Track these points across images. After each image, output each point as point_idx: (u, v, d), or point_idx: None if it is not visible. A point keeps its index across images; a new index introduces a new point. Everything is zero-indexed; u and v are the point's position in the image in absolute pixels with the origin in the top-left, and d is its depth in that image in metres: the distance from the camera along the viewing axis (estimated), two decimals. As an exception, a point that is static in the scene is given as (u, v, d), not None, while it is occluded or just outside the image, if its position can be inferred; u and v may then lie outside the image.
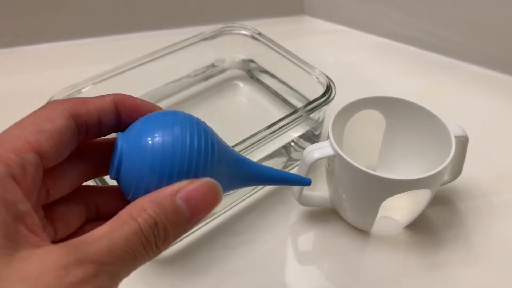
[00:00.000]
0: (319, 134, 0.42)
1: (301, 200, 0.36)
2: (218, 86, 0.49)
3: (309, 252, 0.37)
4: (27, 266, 0.14)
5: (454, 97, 0.51)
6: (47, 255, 0.14)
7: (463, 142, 0.35)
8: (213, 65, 0.50)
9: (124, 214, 0.16)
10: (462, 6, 0.52)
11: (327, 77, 0.40)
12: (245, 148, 0.33)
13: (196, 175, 0.17)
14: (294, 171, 0.42)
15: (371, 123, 0.39)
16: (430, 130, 0.36)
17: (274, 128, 0.35)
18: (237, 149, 0.33)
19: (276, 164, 0.41)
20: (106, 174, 0.20)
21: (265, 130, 0.35)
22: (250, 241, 0.37)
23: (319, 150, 0.33)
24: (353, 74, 0.54)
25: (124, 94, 0.19)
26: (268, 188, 0.41)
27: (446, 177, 0.38)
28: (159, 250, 0.16)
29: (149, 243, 0.16)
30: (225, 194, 0.18)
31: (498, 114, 0.49)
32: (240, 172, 0.20)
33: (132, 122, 0.19)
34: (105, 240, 0.15)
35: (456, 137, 0.34)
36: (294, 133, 0.40)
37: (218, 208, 0.38)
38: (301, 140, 0.42)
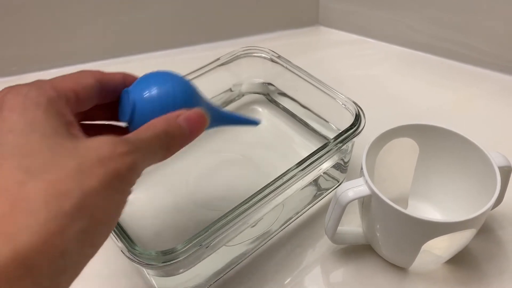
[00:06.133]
0: (348, 161, 0.40)
1: (335, 239, 0.34)
2: (236, 112, 0.47)
3: (344, 292, 0.35)
4: (89, 143, 0.20)
5: (485, 109, 0.49)
6: (100, 139, 0.20)
7: (506, 172, 0.33)
8: (230, 90, 0.48)
9: (146, 125, 0.23)
10: (488, 12, 0.50)
11: (355, 103, 0.38)
12: (276, 188, 0.32)
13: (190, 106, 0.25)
14: (324, 201, 0.40)
15: (404, 151, 0.37)
16: (469, 158, 0.34)
17: (304, 165, 0.33)
18: (267, 190, 0.31)
19: (305, 195, 0.39)
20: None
21: (295, 168, 0.33)
22: (282, 282, 0.35)
23: (353, 190, 0.31)
24: (376, 89, 0.52)
25: (130, 75, 0.27)
26: (296, 223, 0.39)
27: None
28: (168, 151, 0.24)
29: (163, 145, 0.23)
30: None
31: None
32: (210, 112, 0.27)
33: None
34: (137, 135, 0.22)
35: (499, 167, 0.32)
36: (324, 165, 0.38)
37: (249, 247, 0.36)
38: (331, 168, 0.40)
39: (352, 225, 0.38)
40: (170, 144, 0.23)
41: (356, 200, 0.34)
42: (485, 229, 0.37)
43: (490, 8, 0.49)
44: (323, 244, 0.37)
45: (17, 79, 0.57)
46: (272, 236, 0.38)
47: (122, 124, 0.27)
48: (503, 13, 0.49)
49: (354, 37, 0.59)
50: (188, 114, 0.24)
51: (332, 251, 0.37)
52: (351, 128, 0.36)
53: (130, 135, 0.22)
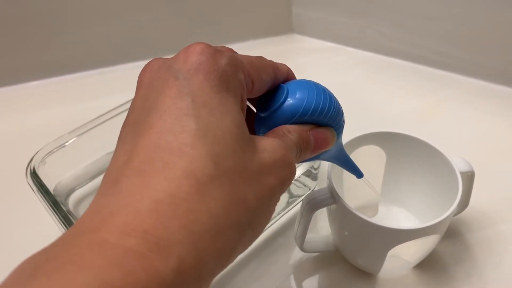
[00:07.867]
0: (318, 168, 0.41)
1: (304, 248, 0.35)
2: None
3: (315, 300, 0.35)
4: (265, 144, 0.19)
5: (452, 113, 0.50)
6: (274, 141, 0.20)
7: (469, 177, 0.34)
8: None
9: (279, 130, 0.22)
10: (454, 17, 0.51)
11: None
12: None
13: (323, 124, 0.23)
14: (297, 208, 0.41)
15: (371, 158, 0.37)
16: (433, 164, 0.35)
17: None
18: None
19: (279, 202, 0.39)
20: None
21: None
22: (253, 293, 0.35)
23: (318, 199, 0.32)
24: (348, 96, 0.52)
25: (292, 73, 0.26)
26: (268, 232, 0.39)
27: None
28: (295, 160, 0.22)
29: (293, 151, 0.21)
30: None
31: (501, 130, 0.47)
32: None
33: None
34: (279, 141, 0.21)
35: (461, 173, 0.32)
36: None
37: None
38: (302, 176, 0.40)
39: (323, 233, 0.38)
40: (295, 154, 0.22)
41: (326, 211, 0.35)
42: (453, 233, 0.38)
43: (456, 13, 0.50)
44: (296, 253, 0.37)
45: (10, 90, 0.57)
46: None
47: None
48: (469, 18, 0.50)
49: (327, 44, 0.60)
50: (320, 131, 0.23)
51: (305, 259, 0.37)
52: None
53: (279, 140, 0.21)
